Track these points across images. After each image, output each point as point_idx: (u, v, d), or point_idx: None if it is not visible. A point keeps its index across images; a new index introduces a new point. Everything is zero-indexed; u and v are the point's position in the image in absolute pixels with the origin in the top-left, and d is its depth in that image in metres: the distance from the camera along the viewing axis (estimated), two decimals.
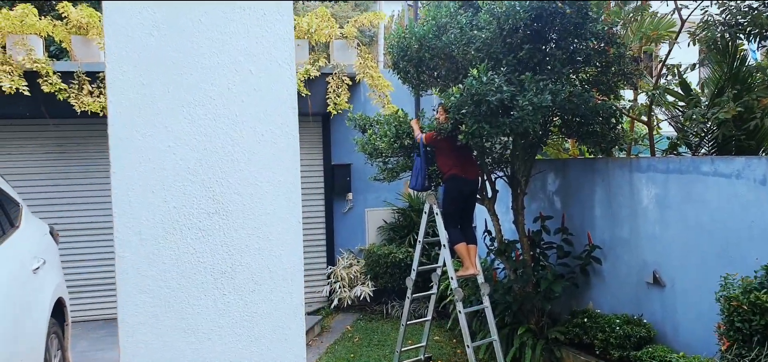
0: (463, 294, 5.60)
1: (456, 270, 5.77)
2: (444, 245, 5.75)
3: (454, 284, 5.67)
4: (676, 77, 6.68)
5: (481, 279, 5.80)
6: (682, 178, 5.30)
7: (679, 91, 6.82)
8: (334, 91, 8.42)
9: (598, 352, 5.73)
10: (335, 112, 8.37)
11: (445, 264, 5.97)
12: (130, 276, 1.61)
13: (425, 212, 5.93)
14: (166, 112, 1.65)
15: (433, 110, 6.30)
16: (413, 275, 6.11)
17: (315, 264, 9.25)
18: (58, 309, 4.99)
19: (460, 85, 5.44)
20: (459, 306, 5.60)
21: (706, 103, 6.56)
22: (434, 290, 6.32)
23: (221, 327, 1.70)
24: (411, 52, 6.23)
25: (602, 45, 6.00)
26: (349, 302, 8.63)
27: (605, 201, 6.21)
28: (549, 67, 5.80)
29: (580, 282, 6.40)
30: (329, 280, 9.03)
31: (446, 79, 6.27)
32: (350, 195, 9.31)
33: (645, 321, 5.60)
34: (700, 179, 5.13)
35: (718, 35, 6.16)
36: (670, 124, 7.18)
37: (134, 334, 1.61)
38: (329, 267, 9.18)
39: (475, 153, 6.05)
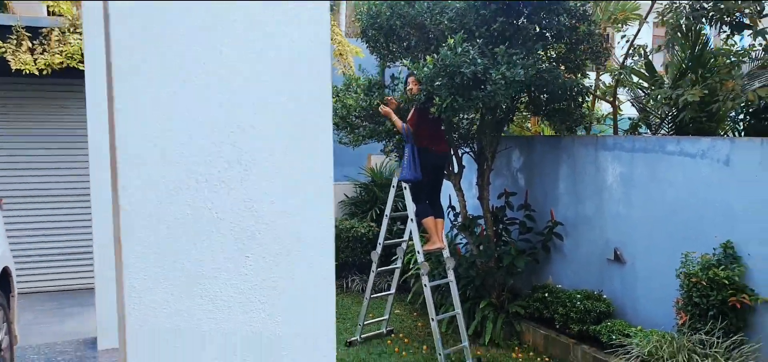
0: (428, 268, 5.54)
1: (423, 244, 5.70)
2: (411, 219, 5.67)
3: (420, 258, 5.60)
4: (642, 58, 6.75)
5: (446, 253, 5.76)
6: (647, 157, 5.37)
7: (644, 72, 6.90)
8: None
9: (558, 326, 5.79)
10: None
11: (410, 238, 5.89)
12: (136, 231, 1.39)
13: (393, 186, 5.84)
14: (180, 37, 1.41)
15: (402, 82, 6.18)
16: (379, 249, 6.02)
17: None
18: (3, 280, 4.69)
19: (434, 56, 5.34)
20: (424, 279, 5.55)
21: (670, 85, 6.66)
22: (398, 264, 6.25)
23: (243, 293, 1.51)
24: (381, 19, 6.08)
25: (573, 21, 6.00)
26: None
27: (570, 179, 6.25)
28: (520, 41, 5.76)
29: (541, 258, 6.45)
30: None
31: (416, 49, 6.15)
32: None
33: (605, 296, 5.69)
34: (665, 158, 5.20)
35: (683, 20, 6.27)
36: (632, 104, 7.27)
37: (142, 299, 1.40)
38: None
39: (443, 127, 5.97)
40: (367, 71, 8.31)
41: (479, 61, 5.19)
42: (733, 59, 6.57)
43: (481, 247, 6.51)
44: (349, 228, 8.31)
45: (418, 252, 5.63)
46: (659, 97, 6.02)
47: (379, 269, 6.16)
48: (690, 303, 4.50)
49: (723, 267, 4.39)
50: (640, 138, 5.51)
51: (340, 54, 8.29)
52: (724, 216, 4.70)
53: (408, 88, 5.76)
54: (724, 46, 6.66)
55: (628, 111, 8.01)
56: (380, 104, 5.79)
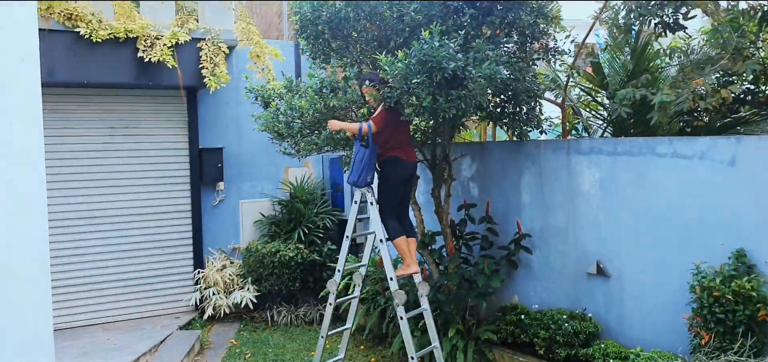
0: (405, 297, 4.75)
1: (395, 269, 4.90)
2: (381, 239, 4.84)
3: (393, 285, 4.79)
4: (588, 58, 6.48)
5: (418, 278, 5.00)
6: (633, 161, 4.99)
7: (591, 73, 6.64)
8: (209, 59, 7.04)
9: (541, 352, 5.24)
10: (216, 86, 6.98)
11: (378, 264, 5.07)
12: None
13: (356, 202, 4.97)
14: None
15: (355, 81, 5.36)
16: (338, 277, 5.11)
17: (178, 267, 7.77)
18: None
19: (406, 50, 4.58)
20: (400, 311, 4.75)
21: (616, 86, 6.44)
22: (357, 293, 5.39)
23: None
24: (329, 10, 5.22)
25: (533, 18, 5.54)
26: (227, 310, 7.32)
27: (535, 187, 5.76)
28: (489, 36, 5.18)
29: (504, 276, 5.90)
30: (198, 286, 7.61)
31: (369, 44, 5.36)
32: (222, 185, 7.96)
33: (590, 315, 5.23)
34: (654, 161, 4.85)
35: (622, 18, 6.07)
36: (574, 107, 6.99)
37: None
38: (197, 270, 7.75)
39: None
40: (287, 74, 7.38)
41: (460, 56, 4.52)
42: (680, 58, 6.54)
43: (441, 267, 5.83)
44: (273, 252, 7.28)
45: (391, 279, 4.81)
46: (624, 96, 5.71)
47: (338, 300, 5.25)
48: (712, 320, 4.11)
49: (746, 278, 4.04)
50: (623, 140, 5.12)
51: (258, 56, 7.26)
52: (730, 222, 4.39)
53: (365, 89, 4.95)
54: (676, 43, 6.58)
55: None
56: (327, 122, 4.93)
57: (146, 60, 6.69)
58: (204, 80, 7.02)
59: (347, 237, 5.03)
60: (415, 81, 4.43)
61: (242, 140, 8.13)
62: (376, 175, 5.04)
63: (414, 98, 4.51)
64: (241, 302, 7.29)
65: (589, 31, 6.37)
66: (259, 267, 7.34)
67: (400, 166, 4.93)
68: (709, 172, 4.51)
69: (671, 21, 5.97)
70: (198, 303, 7.53)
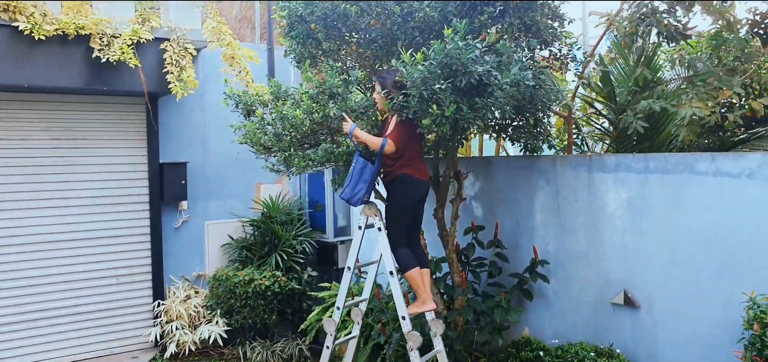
0: (421, 340, 4.06)
1: (407, 305, 4.21)
2: (390, 271, 4.15)
3: (406, 326, 4.10)
4: (599, 66, 5.99)
5: (431, 315, 4.32)
6: (667, 179, 4.48)
7: (599, 84, 6.16)
8: (174, 62, 6.20)
9: None
10: (183, 93, 6.14)
11: (389, 298, 4.37)
12: None
13: (361, 227, 4.26)
14: None
15: (358, 87, 4.67)
16: (337, 315, 4.38)
17: (136, 299, 6.84)
18: None
19: (425, 50, 3.93)
20: (414, 356, 4.06)
21: (625, 97, 5.98)
22: (356, 332, 4.66)
23: None
24: (324, 6, 4.53)
25: (548, 20, 5.01)
26: (192, 347, 6.44)
27: (551, 208, 5.20)
28: (506, 37, 4.62)
29: (514, 305, 5.30)
30: (158, 320, 6.71)
31: (370, 46, 4.69)
32: (185, 205, 7.09)
33: (618, 351, 4.68)
34: (694, 180, 4.34)
35: (627, 27, 5.64)
36: (580, 120, 6.51)
37: None
38: (157, 301, 6.84)
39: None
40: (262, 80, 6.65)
41: (487, 59, 3.91)
42: (686, 68, 6.16)
43: (445, 297, 5.18)
44: (247, 281, 6.45)
45: (403, 318, 4.12)
46: (643, 108, 5.21)
47: (337, 342, 4.50)
48: None
49: None
50: (656, 156, 4.61)
51: (232, 57, 6.47)
52: None
53: (376, 95, 4.27)
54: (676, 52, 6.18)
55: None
56: (343, 116, 4.20)
57: (104, 60, 5.80)
58: (168, 86, 6.17)
59: (349, 268, 4.32)
60: (437, 86, 3.78)
61: (209, 153, 7.29)
62: (380, 196, 4.36)
63: (435, 106, 3.86)
64: (210, 337, 6.42)
65: (601, 37, 5.89)
66: (230, 297, 6.50)
67: (412, 185, 4.26)
68: (760, 192, 4.03)
69: (673, 30, 5.59)
70: (158, 339, 6.61)
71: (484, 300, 5.17)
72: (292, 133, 4.30)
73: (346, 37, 4.80)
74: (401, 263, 4.20)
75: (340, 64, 5.01)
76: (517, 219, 5.44)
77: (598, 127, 6.71)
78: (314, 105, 4.15)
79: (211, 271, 7.14)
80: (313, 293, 6.61)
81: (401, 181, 4.21)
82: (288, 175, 4.62)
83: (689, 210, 4.37)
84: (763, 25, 5.53)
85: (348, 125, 4.15)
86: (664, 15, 5.46)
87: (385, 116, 4.36)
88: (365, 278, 5.77)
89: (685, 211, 4.39)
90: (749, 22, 5.45)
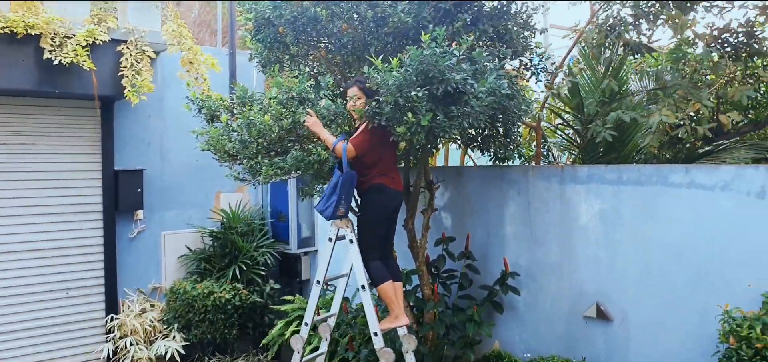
0: (393, 356, 3.90)
1: (379, 320, 4.05)
2: (362, 285, 3.98)
3: (378, 342, 3.93)
4: (566, 77, 5.98)
5: (404, 330, 4.17)
6: (640, 191, 4.45)
7: (567, 94, 6.15)
8: (130, 65, 5.91)
9: None
10: (136, 99, 5.85)
11: (360, 314, 4.20)
12: None
13: (331, 239, 4.09)
14: None
15: (328, 93, 4.50)
16: (305, 331, 4.18)
17: (87, 313, 6.48)
18: None
19: (402, 56, 3.80)
20: None
21: (593, 108, 5.99)
22: (324, 348, 4.47)
23: None
24: (293, 9, 4.36)
25: (520, 28, 4.96)
26: None
27: (522, 219, 5.13)
28: (480, 45, 4.54)
29: (485, 319, 5.19)
30: (111, 335, 6.36)
31: (341, 51, 4.54)
32: (141, 214, 6.77)
33: None
34: (667, 191, 4.33)
35: (594, 40, 5.68)
36: (547, 130, 6.50)
37: None
38: (110, 315, 6.49)
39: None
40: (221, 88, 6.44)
41: (464, 66, 3.81)
42: (651, 80, 6.22)
43: (415, 310, 5.04)
44: (205, 295, 6.18)
45: (376, 334, 3.96)
46: (614, 119, 5.21)
47: (304, 359, 4.30)
48: None
49: None
50: (629, 167, 4.59)
51: (191, 62, 6.21)
52: (759, 261, 3.91)
53: (350, 102, 4.10)
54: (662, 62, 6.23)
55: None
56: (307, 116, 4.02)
57: (56, 62, 5.47)
58: (124, 90, 5.88)
59: (319, 282, 4.13)
60: (414, 93, 3.65)
61: (167, 161, 6.99)
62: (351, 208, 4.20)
63: (410, 114, 3.72)
64: (166, 353, 6.12)
65: (572, 48, 5.89)
66: (188, 311, 6.22)
67: (386, 196, 4.11)
68: (734, 204, 4.04)
69: (638, 43, 5.64)
70: (111, 356, 6.27)
71: (455, 314, 5.04)
72: (260, 140, 4.10)
73: (316, 42, 4.64)
74: (373, 276, 4.04)
75: (307, 69, 4.86)
76: (487, 230, 5.36)
77: (565, 137, 6.71)
78: (284, 111, 3.96)
79: (168, 284, 6.83)
80: (275, 306, 6.38)
81: (375, 190, 4.06)
82: (254, 184, 4.41)
83: (662, 222, 4.35)
84: (720, 40, 5.64)
85: (311, 119, 3.96)
86: (630, 27, 5.51)
87: (357, 123, 4.20)
88: (331, 292, 5.60)
89: (658, 223, 4.37)
90: (707, 37, 5.54)
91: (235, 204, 7.20)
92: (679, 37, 5.46)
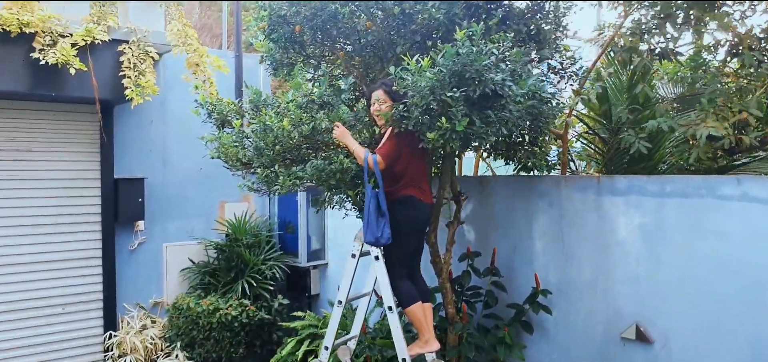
0: None
1: (408, 344, 3.69)
2: (390, 307, 3.63)
3: None
4: (594, 84, 5.66)
5: (432, 356, 3.81)
6: (687, 203, 4.12)
7: (595, 102, 5.82)
8: (132, 67, 5.56)
9: None
10: (140, 100, 5.51)
11: (389, 336, 3.85)
12: None
13: (355, 255, 3.74)
14: None
15: (351, 95, 4.14)
16: (326, 356, 3.82)
17: (84, 330, 6.11)
18: None
19: (435, 54, 3.46)
20: None
21: (622, 115, 5.67)
22: None
23: None
24: (311, 6, 4.03)
25: (551, 27, 4.64)
26: None
27: (553, 233, 4.79)
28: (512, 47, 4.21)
29: (514, 340, 4.84)
30: (110, 353, 5.99)
31: (363, 51, 4.20)
32: (142, 225, 6.41)
33: None
34: (716, 204, 4.00)
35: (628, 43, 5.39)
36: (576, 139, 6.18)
37: None
38: (109, 332, 6.11)
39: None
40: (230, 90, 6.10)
41: (503, 66, 3.48)
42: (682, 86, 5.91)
43: (438, 331, 4.68)
44: (210, 311, 5.82)
45: (404, 360, 3.60)
46: (653, 128, 4.88)
47: None
48: None
49: None
50: (673, 178, 4.26)
51: (197, 64, 5.87)
52: None
53: (375, 106, 3.75)
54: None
55: None
56: (333, 124, 3.68)
57: (42, 62, 5.11)
58: (124, 92, 5.53)
59: (340, 302, 3.78)
60: (449, 96, 3.31)
61: (169, 168, 6.64)
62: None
63: (444, 119, 3.38)
64: None
65: (604, 51, 5.56)
66: (192, 328, 5.85)
67: (416, 209, 3.75)
68: None
69: (666, 47, 5.35)
70: None
71: (482, 335, 4.70)
72: (276, 147, 3.75)
73: (334, 42, 4.30)
74: (402, 297, 3.69)
75: (322, 71, 4.53)
76: (514, 245, 5.01)
77: (590, 145, 6.39)
78: (304, 115, 3.61)
79: (170, 299, 6.46)
80: (284, 323, 6.02)
81: (404, 203, 3.70)
82: (270, 195, 4.06)
83: (711, 237, 4.01)
84: (740, 48, 5.34)
85: (339, 130, 3.63)
86: (655, 30, 5.22)
87: (382, 129, 3.86)
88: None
89: (706, 239, 4.03)
90: (729, 42, 5.25)
91: (240, 214, 6.84)
92: (695, 44, 5.19)
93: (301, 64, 4.71)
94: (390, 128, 3.73)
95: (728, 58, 5.50)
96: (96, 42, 5.41)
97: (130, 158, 6.35)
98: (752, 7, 5.10)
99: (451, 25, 3.81)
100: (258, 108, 4.08)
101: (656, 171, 5.69)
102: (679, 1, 5.05)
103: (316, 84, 3.83)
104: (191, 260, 6.64)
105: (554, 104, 4.42)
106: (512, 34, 3.95)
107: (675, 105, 5.88)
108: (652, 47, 5.47)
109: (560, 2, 4.62)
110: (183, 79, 5.86)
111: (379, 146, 3.68)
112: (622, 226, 4.41)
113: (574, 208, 4.67)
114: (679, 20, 5.12)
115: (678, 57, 5.83)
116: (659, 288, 4.24)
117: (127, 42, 5.65)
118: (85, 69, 5.34)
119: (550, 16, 4.53)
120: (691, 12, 4.99)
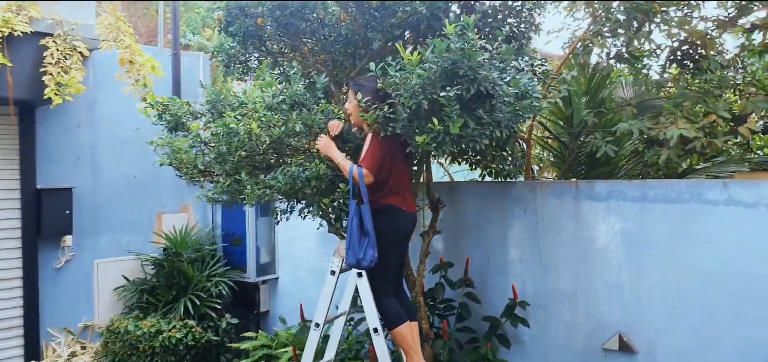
0: None
1: None
2: (375, 329, 3.26)
3: None
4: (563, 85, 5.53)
5: None
6: (671, 209, 3.99)
7: (560, 104, 5.69)
8: (56, 62, 4.93)
9: None
10: (60, 100, 4.88)
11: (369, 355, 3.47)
12: None
13: (334, 272, 3.34)
14: None
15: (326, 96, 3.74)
16: None
17: (1, 360, 5.37)
18: None
19: (424, 49, 3.13)
20: None
21: (583, 119, 5.58)
22: None
23: None
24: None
25: (526, 28, 4.44)
26: None
27: (529, 241, 4.58)
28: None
29: (490, 354, 4.59)
30: None
31: (333, 48, 3.83)
32: (69, 240, 5.73)
33: None
34: (702, 209, 3.88)
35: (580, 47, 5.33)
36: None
37: None
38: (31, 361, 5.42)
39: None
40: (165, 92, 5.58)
41: (496, 63, 3.21)
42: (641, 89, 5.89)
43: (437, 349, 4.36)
44: (152, 333, 5.24)
45: None
46: (624, 130, 4.77)
47: None
48: None
49: None
50: (657, 183, 4.12)
51: (130, 62, 5.28)
52: None
53: (352, 107, 3.38)
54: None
55: None
56: (320, 133, 3.28)
57: None
58: (45, 91, 4.89)
59: (318, 325, 3.37)
60: (443, 95, 3.00)
61: (99, 177, 5.98)
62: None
63: (436, 121, 3.06)
64: None
65: (569, 54, 5.42)
66: (131, 354, 5.25)
67: (398, 219, 3.41)
68: None
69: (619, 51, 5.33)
70: None
71: (462, 352, 4.41)
72: (241, 153, 3.31)
73: (302, 36, 3.90)
74: (388, 317, 3.34)
75: (279, 70, 4.12)
76: (487, 254, 4.77)
77: (551, 150, 6.28)
78: (275, 117, 3.19)
79: (102, 321, 5.81)
80: (233, 344, 5.51)
81: (385, 213, 3.35)
82: (233, 206, 3.61)
83: (697, 243, 3.89)
84: (680, 52, 5.39)
85: (323, 141, 3.25)
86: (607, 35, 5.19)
87: (363, 133, 3.49)
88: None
89: (692, 245, 3.91)
90: (669, 48, 5.30)
91: (180, 226, 6.26)
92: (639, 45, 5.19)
93: (257, 62, 4.29)
94: (371, 134, 3.37)
95: (667, 64, 5.57)
96: (15, 34, 4.74)
97: (55, 166, 5.67)
98: (689, 14, 5.14)
99: (434, 21, 3.51)
100: (217, 109, 3.61)
101: (614, 175, 5.63)
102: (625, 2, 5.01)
103: (291, 80, 3.42)
104: (126, 277, 6.00)
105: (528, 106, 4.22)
106: (503, 32, 3.69)
107: (634, 109, 5.84)
108: (608, 49, 5.43)
109: (536, 1, 4.42)
110: (116, 78, 5.26)
111: (362, 156, 3.31)
112: (603, 233, 4.25)
113: (551, 215, 4.47)
114: (625, 23, 5.11)
115: (636, 60, 5.83)
116: (643, 297, 4.10)
117: (51, 35, 5.01)
118: (5, 64, 4.68)
119: (523, 14, 4.31)
120: (634, 16, 4.98)
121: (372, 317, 3.28)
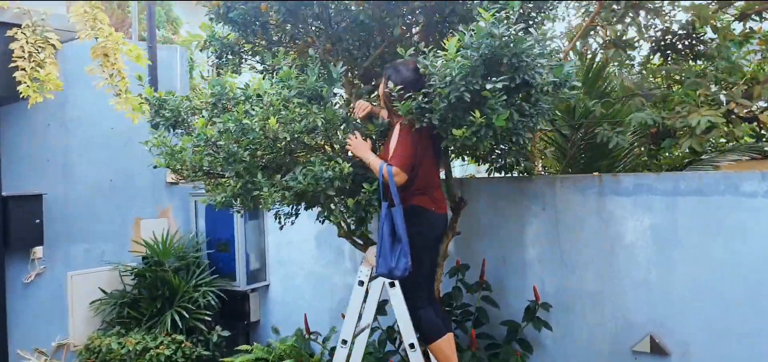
0: None
1: None
2: (412, 344, 2.94)
3: None
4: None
5: None
6: (704, 202, 3.79)
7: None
8: (27, 56, 4.43)
9: None
10: (39, 98, 4.40)
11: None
12: None
13: (362, 282, 3.00)
14: None
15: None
16: None
17: None
18: None
19: (463, 34, 2.82)
20: None
21: (583, 111, 5.39)
22: None
23: None
24: None
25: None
26: None
27: (548, 239, 4.33)
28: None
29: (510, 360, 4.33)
30: None
31: (343, 37, 3.48)
32: (39, 251, 5.22)
33: None
34: (738, 202, 3.70)
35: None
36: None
37: None
38: None
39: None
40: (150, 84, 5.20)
41: (537, 51, 2.93)
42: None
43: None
44: (139, 351, 4.80)
45: None
46: (640, 121, 4.57)
47: None
48: None
49: None
50: (688, 175, 3.91)
51: (105, 55, 4.81)
52: None
53: (381, 96, 3.05)
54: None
55: None
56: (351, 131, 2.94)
57: None
58: (17, 88, 4.40)
59: (346, 342, 3.03)
60: (489, 86, 2.69)
61: (72, 182, 5.48)
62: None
63: (478, 113, 2.76)
64: None
65: (574, 41, 5.21)
66: None
67: (428, 221, 3.10)
68: None
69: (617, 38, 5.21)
70: None
71: (484, 359, 4.13)
72: (257, 153, 2.94)
73: (310, 23, 3.55)
74: (425, 330, 3.02)
75: (270, 62, 3.75)
76: (503, 255, 4.50)
77: (551, 142, 6.07)
78: (300, 111, 2.83)
79: (78, 339, 5.32)
80: (226, 359, 5.11)
81: (413, 215, 3.03)
82: (241, 214, 3.23)
83: (734, 238, 3.70)
84: (662, 43, 5.29)
85: (355, 141, 2.91)
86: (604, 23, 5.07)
87: (390, 124, 3.17)
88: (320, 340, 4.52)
89: (728, 240, 3.72)
90: (652, 38, 5.20)
91: (160, 232, 5.80)
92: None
93: (251, 54, 3.92)
94: (397, 126, 3.05)
95: (652, 54, 5.46)
96: None
97: (23, 170, 5.15)
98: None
99: (462, 7, 3.21)
100: (220, 103, 3.22)
101: (614, 168, 5.45)
102: None
103: (309, 73, 3.06)
104: (103, 290, 5.52)
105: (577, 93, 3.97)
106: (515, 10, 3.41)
107: (643, 99, 5.69)
108: (606, 38, 5.26)
109: None
110: (86, 72, 4.78)
111: (391, 152, 2.98)
112: (630, 229, 4.03)
113: (573, 211, 4.23)
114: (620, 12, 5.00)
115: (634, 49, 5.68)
116: (675, 296, 3.89)
117: (18, 26, 4.51)
118: None
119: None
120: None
121: (408, 331, 2.96)
